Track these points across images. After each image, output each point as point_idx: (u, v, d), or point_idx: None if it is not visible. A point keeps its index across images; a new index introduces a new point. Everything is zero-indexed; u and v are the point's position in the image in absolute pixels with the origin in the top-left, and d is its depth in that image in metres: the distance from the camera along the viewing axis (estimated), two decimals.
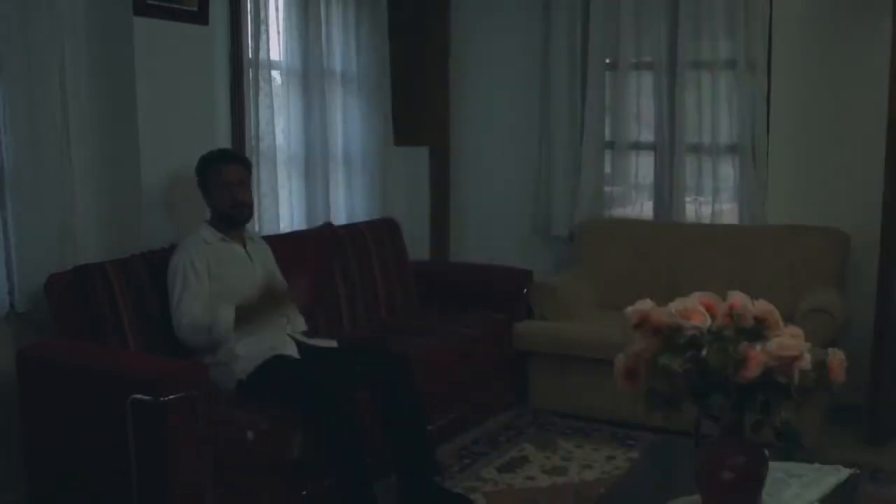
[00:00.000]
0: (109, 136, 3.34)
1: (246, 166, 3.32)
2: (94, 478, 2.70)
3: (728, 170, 4.52)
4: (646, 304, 1.85)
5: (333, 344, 3.40)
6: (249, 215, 3.32)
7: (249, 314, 3.07)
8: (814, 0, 4.18)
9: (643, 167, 4.75)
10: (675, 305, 1.81)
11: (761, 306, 1.81)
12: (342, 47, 4.57)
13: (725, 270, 4.12)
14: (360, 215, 4.67)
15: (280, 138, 4.17)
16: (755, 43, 4.28)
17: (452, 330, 4.00)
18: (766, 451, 1.87)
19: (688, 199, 4.61)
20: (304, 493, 2.96)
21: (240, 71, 3.90)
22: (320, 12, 4.32)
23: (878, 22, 3.86)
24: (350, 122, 4.65)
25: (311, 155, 4.34)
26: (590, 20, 4.69)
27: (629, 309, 1.86)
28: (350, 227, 4.31)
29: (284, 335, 3.28)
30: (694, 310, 1.80)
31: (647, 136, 4.72)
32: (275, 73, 4.16)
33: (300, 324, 3.46)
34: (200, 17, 3.52)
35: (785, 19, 4.23)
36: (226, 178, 3.20)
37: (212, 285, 3.11)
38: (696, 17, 4.44)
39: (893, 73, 3.61)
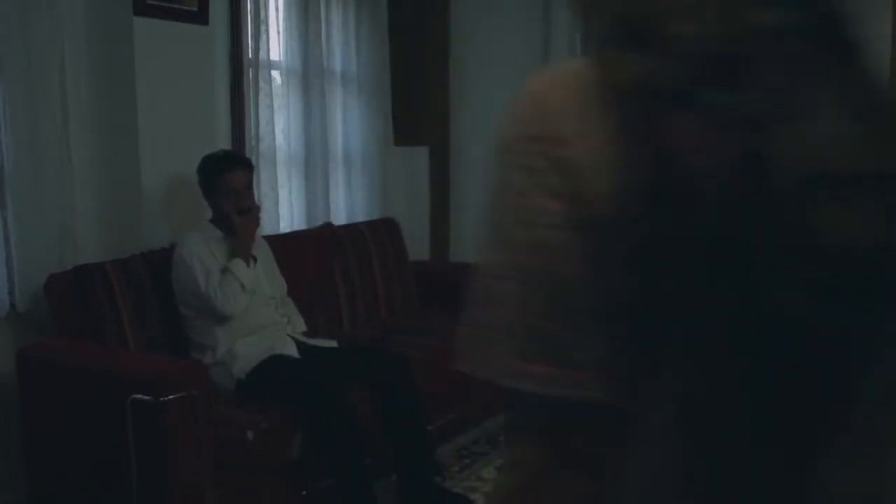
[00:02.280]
0: (109, 136, 3.34)
1: (249, 170, 3.32)
2: (94, 478, 2.70)
3: None
4: None
5: (333, 344, 3.40)
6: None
7: (240, 244, 3.17)
8: None
9: None
10: None
11: None
12: (342, 47, 4.57)
13: None
14: (360, 215, 4.67)
15: (280, 138, 4.17)
16: None
17: (452, 330, 3.99)
18: None
19: None
20: (304, 493, 2.96)
21: (240, 71, 3.90)
22: (320, 12, 4.32)
23: (878, 22, 3.86)
24: (350, 122, 4.65)
25: (311, 155, 4.34)
26: None
27: None
28: (350, 227, 4.31)
29: (284, 335, 3.28)
30: None
31: None
32: (275, 73, 4.15)
33: (300, 324, 3.46)
34: (200, 17, 3.52)
35: None
36: (232, 185, 3.19)
37: None
38: None
39: (894, 72, 3.61)
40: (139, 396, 2.45)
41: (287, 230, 4.13)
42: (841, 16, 0.67)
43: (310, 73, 4.27)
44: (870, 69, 0.70)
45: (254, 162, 3.55)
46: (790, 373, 0.60)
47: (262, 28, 3.98)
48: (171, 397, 2.45)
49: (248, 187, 3.28)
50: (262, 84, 3.98)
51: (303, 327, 3.46)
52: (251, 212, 3.23)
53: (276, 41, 4.14)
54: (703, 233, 0.59)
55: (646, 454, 0.61)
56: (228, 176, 3.19)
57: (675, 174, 0.61)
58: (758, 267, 0.59)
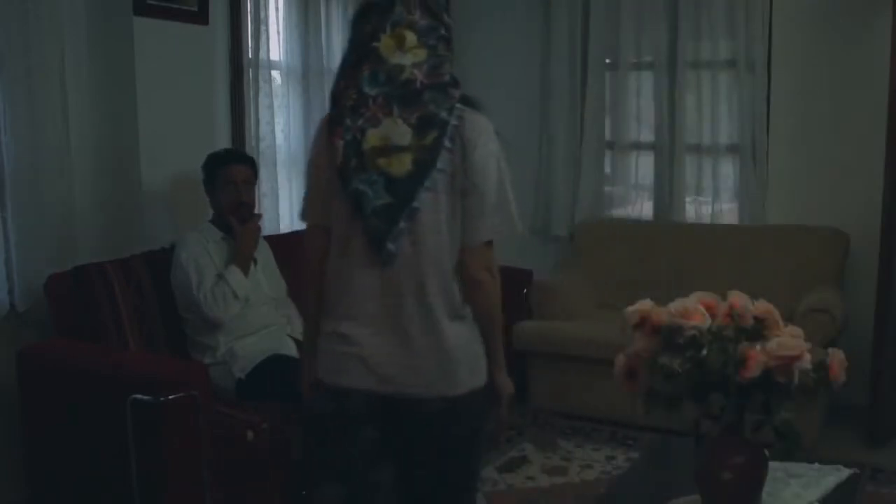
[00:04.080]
0: (109, 136, 3.34)
1: (251, 166, 3.33)
2: (94, 478, 2.70)
3: (728, 170, 4.52)
4: (646, 304, 1.85)
5: None
6: (250, 215, 3.32)
7: (240, 254, 3.17)
8: (814, 0, 4.18)
9: (643, 167, 4.75)
10: (675, 305, 1.81)
11: (761, 306, 1.81)
12: (342, 47, 4.56)
13: (725, 270, 4.12)
14: None
15: (280, 138, 4.18)
16: (755, 43, 4.28)
17: None
18: (766, 451, 1.87)
19: (688, 199, 4.61)
20: (304, 493, 2.96)
21: (240, 71, 3.90)
22: (320, 12, 4.32)
23: (878, 22, 3.86)
24: None
25: None
26: (590, 20, 4.69)
27: (629, 309, 1.86)
28: None
29: (284, 335, 3.28)
30: (694, 310, 1.80)
31: (647, 136, 4.72)
32: (275, 73, 4.16)
33: (300, 324, 3.45)
34: (200, 17, 3.52)
35: (785, 19, 4.24)
36: (230, 178, 3.20)
37: None
38: (696, 17, 4.44)
39: (893, 72, 3.61)
40: (139, 396, 2.45)
41: (287, 230, 4.13)
42: (412, 89, 1.83)
43: (310, 73, 4.27)
44: (431, 109, 1.83)
45: None
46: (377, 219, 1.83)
47: (262, 28, 3.98)
48: (171, 397, 2.45)
49: (249, 183, 3.28)
50: (261, 84, 3.98)
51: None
52: (252, 219, 3.23)
53: (276, 41, 4.15)
54: (341, 167, 1.84)
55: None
56: (227, 169, 3.20)
57: (336, 148, 1.85)
58: (353, 178, 1.82)
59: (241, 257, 3.17)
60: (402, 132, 1.81)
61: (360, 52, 1.88)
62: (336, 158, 1.84)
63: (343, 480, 1.96)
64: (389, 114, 1.81)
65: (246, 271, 3.17)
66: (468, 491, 2.04)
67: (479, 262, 1.91)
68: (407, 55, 1.84)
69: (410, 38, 1.84)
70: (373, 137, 1.82)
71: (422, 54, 1.84)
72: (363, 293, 1.88)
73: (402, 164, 1.81)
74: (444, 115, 1.83)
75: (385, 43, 1.84)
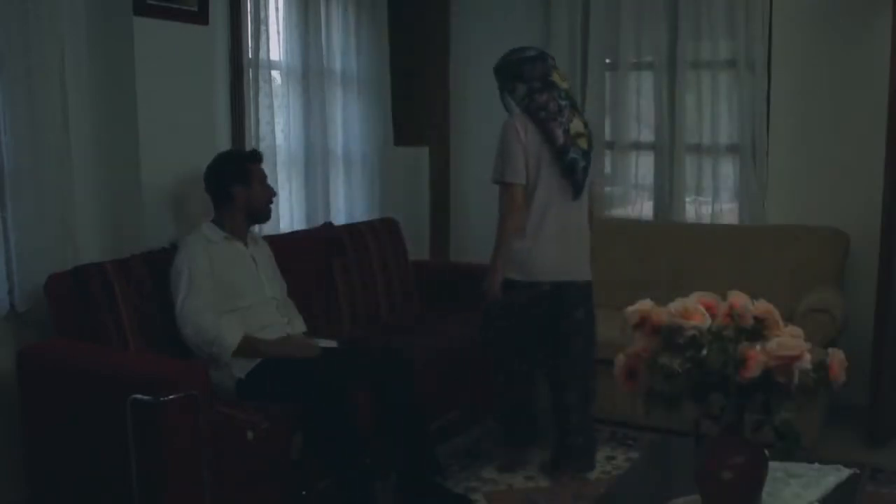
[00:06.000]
0: (109, 136, 3.34)
1: None
2: (94, 478, 2.70)
3: (728, 170, 4.52)
4: (646, 304, 1.85)
5: (333, 344, 3.39)
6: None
7: (256, 348, 3.09)
8: (814, 0, 4.18)
9: (643, 167, 4.75)
10: (675, 305, 1.82)
11: (761, 306, 1.81)
12: (342, 47, 4.58)
13: (725, 270, 4.12)
14: (360, 215, 4.67)
15: (280, 138, 4.17)
16: (755, 43, 4.28)
17: (452, 330, 4.00)
18: (766, 451, 1.87)
19: (688, 199, 4.60)
20: (304, 493, 2.96)
21: (240, 71, 3.90)
22: (320, 12, 4.32)
23: (878, 22, 3.86)
24: (350, 122, 4.65)
25: (311, 155, 4.34)
26: (590, 20, 4.69)
27: (629, 309, 1.87)
28: (350, 227, 4.31)
29: (285, 335, 3.27)
30: (694, 310, 1.80)
31: (648, 136, 4.72)
32: (275, 73, 4.16)
33: (300, 324, 3.46)
34: (200, 17, 3.52)
35: (785, 19, 4.23)
36: (261, 176, 3.28)
37: (214, 284, 3.10)
38: (696, 17, 4.44)
39: (893, 72, 3.60)
40: (139, 396, 2.45)
41: (287, 230, 4.13)
42: (572, 101, 3.37)
43: (310, 73, 4.27)
44: (580, 112, 3.40)
45: None
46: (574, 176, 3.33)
47: (262, 28, 3.98)
48: (171, 397, 2.45)
49: None
50: (262, 84, 3.98)
51: (303, 328, 3.45)
52: (312, 344, 3.24)
53: (276, 41, 4.15)
54: (557, 148, 3.26)
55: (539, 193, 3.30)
56: (257, 166, 3.27)
57: (557, 134, 3.25)
58: (566, 153, 3.27)
59: (276, 348, 3.13)
60: (581, 125, 3.31)
61: (542, 81, 3.29)
62: (557, 140, 3.22)
63: (521, 339, 3.40)
64: (574, 115, 3.30)
65: (258, 353, 3.09)
66: (593, 348, 3.45)
67: (596, 196, 3.63)
68: (564, 83, 3.37)
69: (562, 73, 3.40)
70: (572, 127, 3.26)
71: (568, 83, 3.41)
72: (554, 220, 3.28)
73: (586, 143, 3.32)
74: (585, 117, 3.42)
75: (555, 77, 3.33)
